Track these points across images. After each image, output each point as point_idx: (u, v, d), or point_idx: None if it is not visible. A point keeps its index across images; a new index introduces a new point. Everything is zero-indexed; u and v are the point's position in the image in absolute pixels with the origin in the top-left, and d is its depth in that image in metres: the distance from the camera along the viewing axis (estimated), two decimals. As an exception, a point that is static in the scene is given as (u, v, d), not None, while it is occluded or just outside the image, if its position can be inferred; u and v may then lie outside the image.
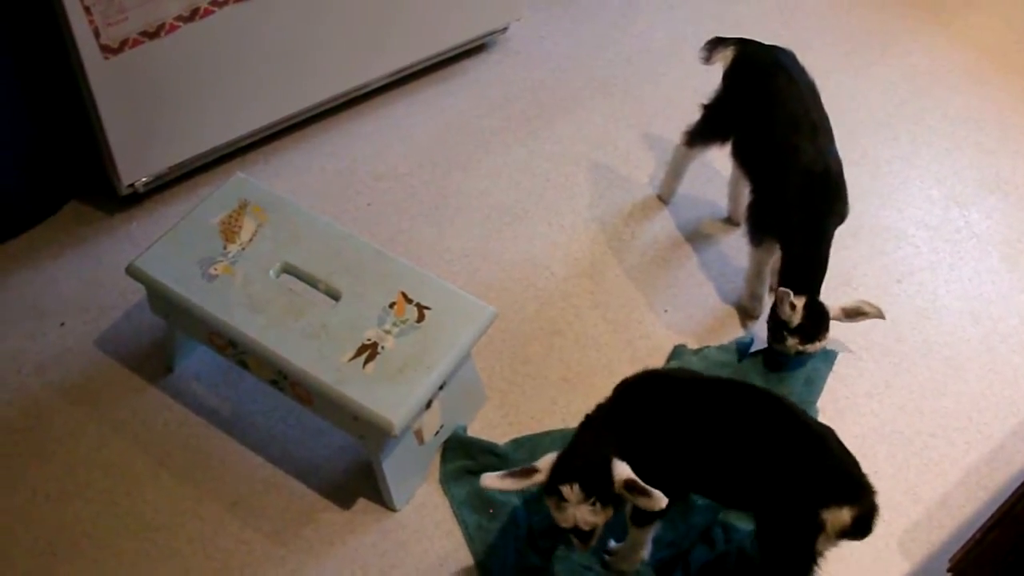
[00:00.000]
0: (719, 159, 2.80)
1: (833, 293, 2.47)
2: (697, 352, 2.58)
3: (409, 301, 2.22)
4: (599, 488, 1.89)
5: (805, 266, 2.42)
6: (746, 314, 2.68)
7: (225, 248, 2.29)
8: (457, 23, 3.08)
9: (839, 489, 1.91)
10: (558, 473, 1.91)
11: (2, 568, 2.17)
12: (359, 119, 3.07)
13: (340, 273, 2.26)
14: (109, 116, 2.55)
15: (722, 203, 2.90)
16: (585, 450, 1.95)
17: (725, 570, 2.21)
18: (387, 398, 2.07)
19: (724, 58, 2.60)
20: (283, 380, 2.19)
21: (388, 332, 2.17)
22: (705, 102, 2.67)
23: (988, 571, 1.82)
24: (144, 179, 2.73)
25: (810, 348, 2.43)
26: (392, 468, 2.22)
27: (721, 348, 2.59)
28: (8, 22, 2.42)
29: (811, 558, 1.96)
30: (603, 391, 2.48)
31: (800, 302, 2.38)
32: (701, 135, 2.71)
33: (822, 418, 2.45)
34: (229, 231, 2.31)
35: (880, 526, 1.96)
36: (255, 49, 2.68)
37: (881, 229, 2.90)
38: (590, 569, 2.19)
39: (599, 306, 2.68)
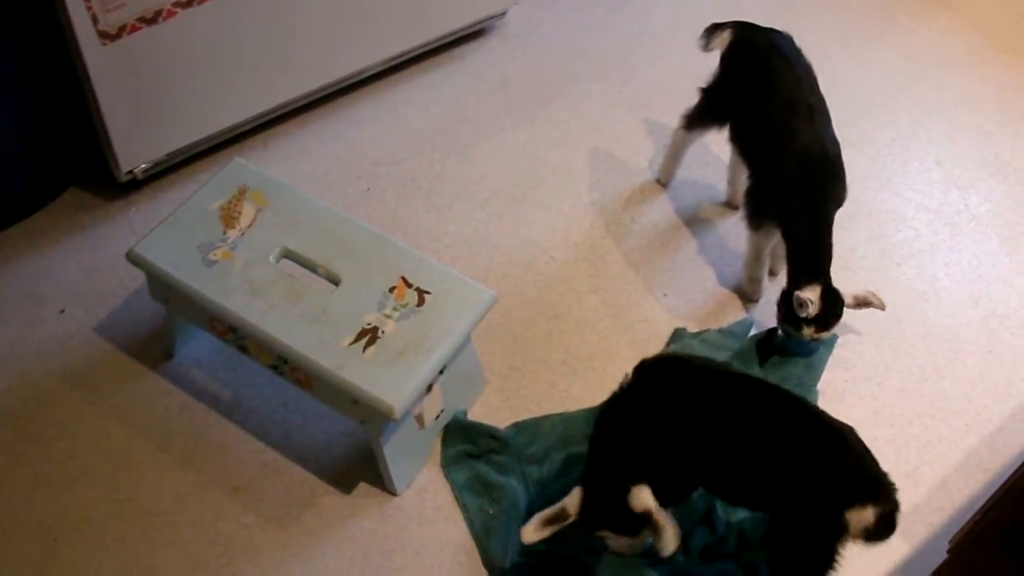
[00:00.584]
0: (718, 143, 2.80)
1: (833, 276, 2.47)
2: (696, 336, 2.58)
3: (409, 285, 2.22)
4: (628, 526, 1.97)
5: (813, 251, 2.42)
6: (745, 297, 2.68)
7: (224, 233, 2.29)
8: (455, 8, 3.08)
9: (862, 488, 1.90)
10: (588, 520, 2.00)
11: (4, 553, 2.18)
12: (357, 104, 3.06)
13: (340, 258, 2.26)
14: (107, 103, 2.54)
15: (721, 187, 2.90)
16: (605, 484, 1.98)
17: (725, 553, 2.22)
18: (387, 382, 2.07)
19: (722, 42, 2.60)
20: (283, 365, 2.19)
21: (388, 316, 2.17)
22: (703, 86, 2.67)
23: (987, 549, 1.83)
24: (143, 165, 2.73)
25: (824, 335, 2.44)
26: (393, 452, 2.22)
27: (721, 332, 2.59)
28: (6, 8, 2.41)
29: (830, 559, 1.95)
30: (603, 375, 2.51)
31: (815, 293, 2.37)
32: (699, 119, 2.71)
33: (822, 401, 2.45)
34: (228, 216, 2.31)
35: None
36: (253, 35, 2.67)
37: (880, 212, 2.90)
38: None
39: (598, 290, 2.68)
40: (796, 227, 2.43)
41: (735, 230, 2.79)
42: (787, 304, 2.42)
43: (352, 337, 2.14)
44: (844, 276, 2.70)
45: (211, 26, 2.58)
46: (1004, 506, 1.88)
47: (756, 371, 2.49)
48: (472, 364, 2.40)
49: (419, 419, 2.26)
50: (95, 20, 2.39)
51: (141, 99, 2.59)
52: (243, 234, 2.29)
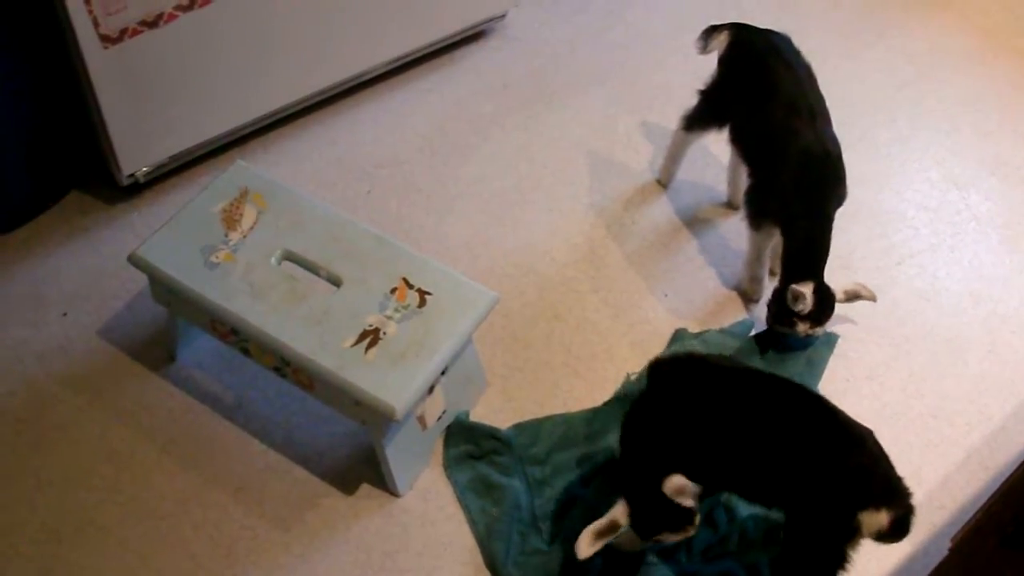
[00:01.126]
0: (718, 144, 2.80)
1: (833, 276, 2.47)
2: (698, 336, 2.58)
3: (410, 287, 2.23)
4: (681, 521, 1.97)
5: (809, 250, 2.43)
6: (746, 297, 2.69)
7: (226, 236, 2.29)
8: (455, 11, 3.08)
9: (877, 491, 1.91)
10: (643, 528, 2.00)
11: (7, 556, 2.18)
12: (359, 107, 3.07)
13: (341, 259, 2.26)
14: (109, 106, 2.55)
15: (721, 188, 2.90)
16: (646, 489, 1.98)
17: (727, 552, 2.22)
18: (389, 383, 2.08)
19: (719, 43, 2.60)
20: (285, 367, 2.20)
21: (390, 318, 2.18)
22: (702, 87, 2.67)
23: (988, 543, 1.83)
24: (145, 169, 2.73)
25: (818, 331, 2.44)
26: (395, 453, 2.22)
27: (722, 332, 2.60)
28: (8, 12, 2.42)
29: (841, 560, 1.95)
30: (604, 375, 2.51)
31: (809, 289, 2.38)
32: (698, 120, 2.71)
33: (823, 400, 2.46)
34: (230, 219, 2.32)
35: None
36: (255, 37, 2.68)
37: (880, 212, 2.91)
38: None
39: (599, 291, 2.68)
40: (796, 227, 2.44)
41: (736, 230, 2.79)
42: (779, 303, 2.43)
43: (354, 338, 2.14)
44: (844, 276, 2.70)
45: (212, 29, 2.58)
46: (1006, 501, 1.88)
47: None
48: (474, 365, 2.40)
49: (421, 420, 2.27)
50: (96, 24, 2.40)
51: (142, 102, 2.60)
52: (245, 236, 2.29)
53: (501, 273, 2.70)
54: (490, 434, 2.37)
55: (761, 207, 2.53)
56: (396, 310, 2.19)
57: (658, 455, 2.00)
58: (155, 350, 2.50)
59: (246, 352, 2.26)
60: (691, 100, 2.71)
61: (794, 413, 2.00)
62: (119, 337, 2.53)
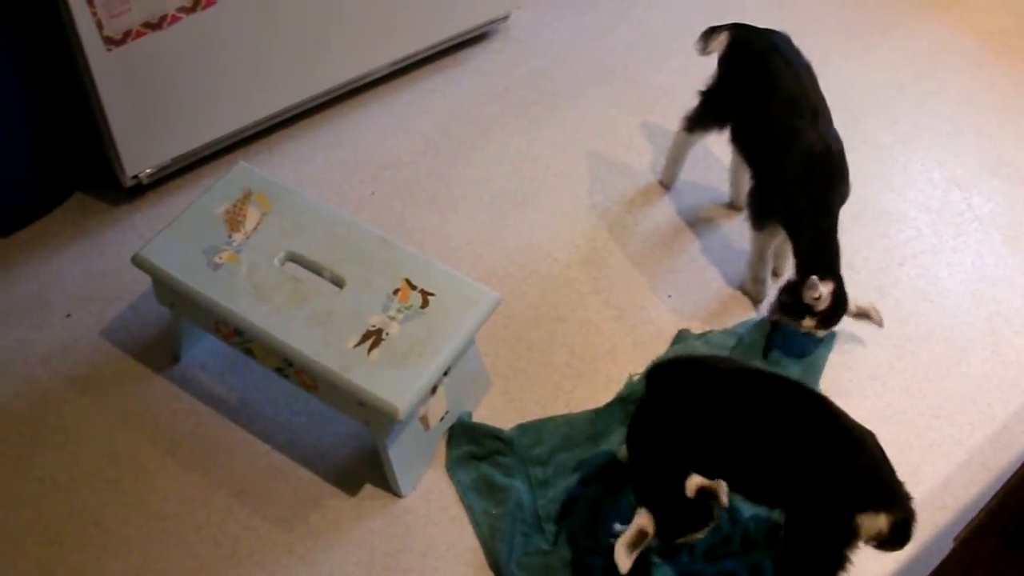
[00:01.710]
0: (719, 145, 2.81)
1: (836, 276, 2.48)
2: (701, 336, 2.59)
3: (413, 287, 2.23)
4: (703, 519, 1.97)
5: (825, 249, 2.41)
6: (749, 298, 2.69)
7: (230, 237, 2.30)
8: (459, 12, 3.09)
9: (876, 494, 1.91)
10: (668, 532, 2.00)
11: (12, 557, 2.19)
12: (362, 108, 3.07)
13: (344, 260, 2.27)
14: (112, 108, 2.56)
15: (724, 188, 2.90)
16: (666, 494, 1.98)
17: (730, 552, 2.22)
18: (392, 384, 2.08)
19: (719, 44, 2.60)
20: (288, 367, 2.20)
21: (392, 318, 2.18)
22: (702, 88, 2.68)
23: (991, 542, 1.83)
24: (148, 170, 2.74)
25: (820, 332, 2.44)
26: (398, 454, 2.23)
27: (725, 332, 2.60)
28: (12, 15, 2.43)
29: (839, 562, 1.95)
30: (607, 376, 2.51)
31: (828, 288, 2.37)
32: (700, 121, 2.71)
33: (825, 401, 2.46)
34: (233, 220, 2.32)
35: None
36: (258, 39, 2.69)
37: (883, 213, 2.91)
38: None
39: (602, 292, 2.69)
40: (801, 226, 2.43)
41: (738, 231, 2.79)
42: (791, 293, 2.42)
43: (357, 339, 2.14)
44: (847, 276, 2.69)
45: (215, 31, 2.59)
46: (1008, 501, 1.88)
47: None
48: (476, 366, 2.41)
49: (424, 421, 2.27)
50: (100, 26, 2.41)
51: (146, 104, 2.61)
52: (248, 238, 2.30)
53: (504, 274, 2.70)
54: (493, 435, 2.38)
55: (764, 207, 2.53)
56: (399, 311, 2.19)
57: (667, 459, 2.00)
58: (159, 351, 2.51)
59: (249, 353, 2.27)
60: (693, 101, 2.72)
61: (794, 413, 2.00)
62: (123, 338, 2.54)
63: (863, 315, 2.47)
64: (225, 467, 2.33)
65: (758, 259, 2.63)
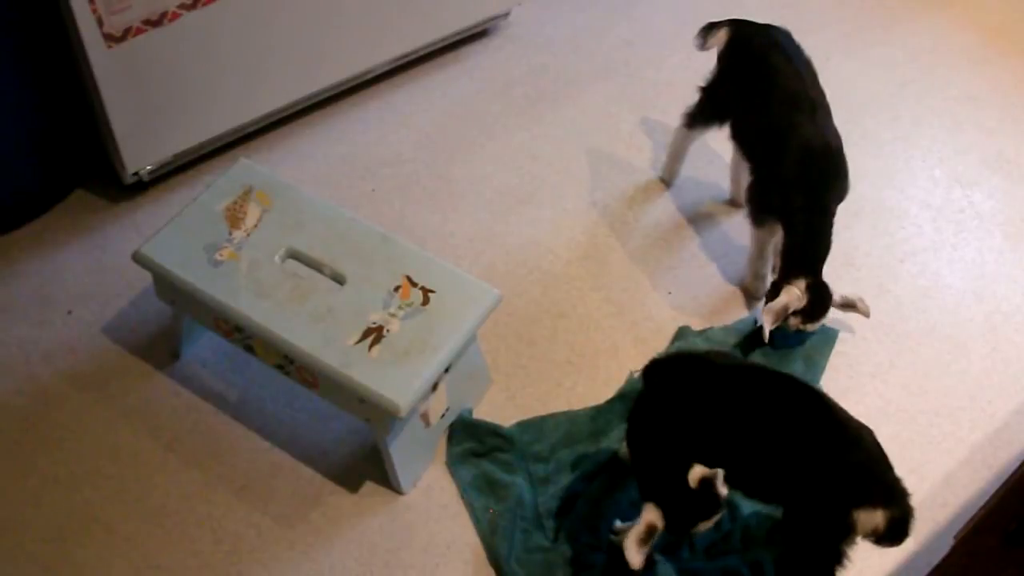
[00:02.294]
0: (720, 141, 2.81)
1: (836, 273, 2.48)
2: (701, 333, 2.59)
3: (414, 284, 2.23)
4: (711, 507, 1.96)
5: (807, 246, 2.42)
6: (749, 294, 2.69)
7: (230, 234, 2.30)
8: (459, 9, 3.09)
9: (872, 490, 1.91)
10: (679, 526, 2.00)
11: (13, 554, 2.19)
12: (362, 105, 3.07)
13: (345, 257, 2.27)
14: (113, 105, 2.55)
15: (724, 185, 2.90)
16: (671, 488, 1.98)
17: (730, 549, 2.23)
18: (393, 381, 2.08)
19: (718, 40, 2.60)
20: (289, 364, 2.20)
21: (393, 315, 2.18)
22: (702, 84, 2.68)
23: (991, 540, 1.84)
24: (148, 167, 2.74)
25: (811, 327, 2.44)
26: (399, 451, 2.23)
27: (725, 329, 2.60)
28: (12, 12, 2.43)
29: (836, 557, 1.95)
30: (608, 373, 2.51)
31: (802, 285, 2.38)
32: (700, 117, 2.71)
33: (826, 398, 2.46)
34: (234, 217, 2.32)
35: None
36: (258, 36, 2.68)
37: (883, 209, 2.91)
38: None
39: (603, 288, 2.69)
40: (796, 221, 2.43)
41: (738, 227, 2.79)
42: (775, 295, 2.42)
43: (357, 336, 2.15)
44: (848, 273, 2.71)
45: (215, 28, 2.59)
46: (1008, 499, 1.88)
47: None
48: (477, 363, 2.41)
49: (425, 418, 2.27)
50: (100, 23, 2.40)
51: (146, 101, 2.61)
52: (249, 234, 2.30)
53: (504, 271, 2.70)
54: (493, 431, 2.38)
55: (763, 203, 2.53)
56: (400, 308, 2.19)
57: (669, 453, 2.00)
58: (160, 348, 2.51)
59: (250, 350, 2.27)
60: (694, 97, 2.71)
61: (791, 409, 2.00)
62: (124, 335, 2.54)
63: (849, 306, 2.47)
64: (226, 464, 2.34)
65: (758, 255, 2.63)
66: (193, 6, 2.51)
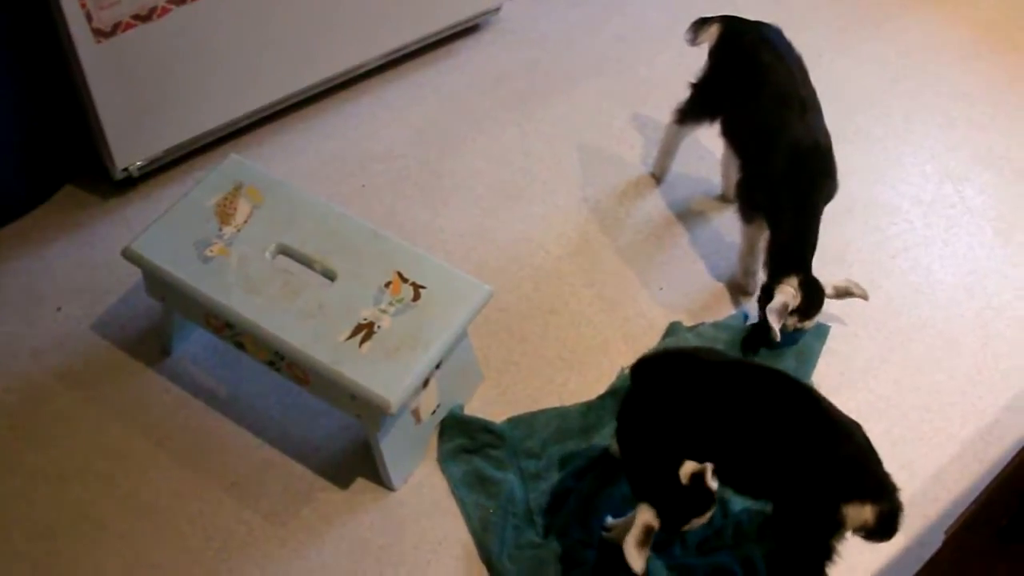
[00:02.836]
0: (711, 137, 2.80)
1: (827, 269, 2.48)
2: (692, 329, 2.59)
3: (405, 280, 2.23)
4: (704, 503, 1.95)
5: (795, 243, 2.42)
6: (740, 290, 2.69)
7: (221, 230, 2.29)
8: (450, 4, 3.08)
9: (861, 485, 1.91)
10: (673, 523, 1.98)
11: (2, 551, 2.18)
12: (353, 101, 3.07)
13: (336, 253, 2.26)
14: (102, 100, 2.54)
15: (715, 181, 2.90)
16: (665, 487, 1.96)
17: (722, 545, 2.23)
18: (384, 377, 2.08)
19: (709, 36, 2.60)
20: (280, 361, 2.20)
21: (384, 311, 2.18)
22: (693, 80, 2.67)
23: (982, 536, 1.84)
24: (138, 163, 2.73)
25: (807, 324, 2.44)
26: (389, 447, 2.22)
27: (716, 325, 2.60)
28: (0, 7, 2.42)
29: (826, 552, 1.95)
30: (599, 368, 2.51)
31: (795, 283, 2.38)
32: (691, 113, 2.71)
33: (817, 394, 2.46)
34: (224, 213, 2.32)
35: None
36: (248, 31, 2.68)
37: (875, 205, 2.91)
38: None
39: (594, 284, 2.69)
40: (783, 219, 2.43)
41: (729, 223, 2.79)
42: (768, 296, 2.42)
43: (348, 332, 2.14)
44: (839, 269, 2.71)
45: (205, 23, 2.58)
46: (999, 494, 1.89)
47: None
48: (468, 359, 2.40)
49: (415, 414, 2.27)
50: (89, 18, 2.40)
51: (136, 96, 2.60)
52: (239, 230, 2.29)
53: (495, 267, 2.70)
54: (485, 428, 2.37)
55: (751, 199, 2.53)
56: (390, 304, 2.19)
57: (659, 451, 2.00)
58: (150, 345, 2.50)
59: (240, 346, 2.26)
60: (685, 93, 2.71)
61: (781, 405, 2.00)
62: (114, 332, 2.53)
63: (845, 294, 2.46)
64: (216, 460, 2.33)
65: (749, 252, 2.63)
66: (182, 1, 2.50)
